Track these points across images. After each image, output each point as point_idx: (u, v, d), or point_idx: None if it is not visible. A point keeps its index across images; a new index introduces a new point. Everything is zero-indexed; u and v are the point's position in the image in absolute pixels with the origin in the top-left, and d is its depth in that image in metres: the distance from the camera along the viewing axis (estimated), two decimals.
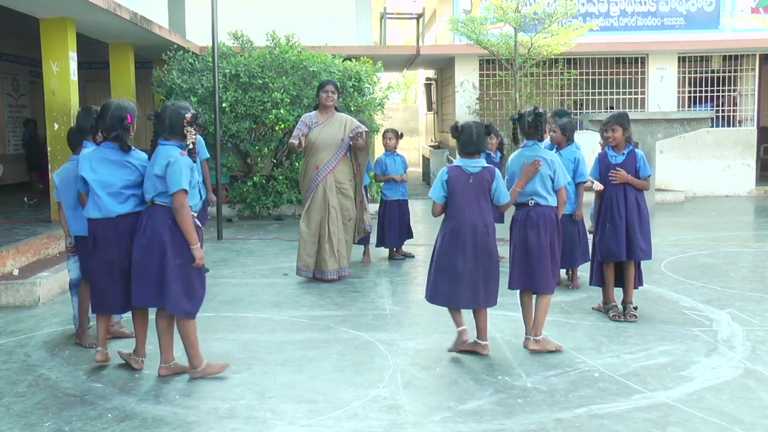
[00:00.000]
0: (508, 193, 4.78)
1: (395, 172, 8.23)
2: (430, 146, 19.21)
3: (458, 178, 4.71)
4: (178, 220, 4.24)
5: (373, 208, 10.34)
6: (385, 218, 8.30)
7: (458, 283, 4.71)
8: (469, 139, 4.73)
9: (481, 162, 4.74)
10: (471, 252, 4.68)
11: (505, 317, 5.63)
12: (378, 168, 8.36)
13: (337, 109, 7.28)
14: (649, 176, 5.66)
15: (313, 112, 7.26)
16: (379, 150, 17.77)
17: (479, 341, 4.81)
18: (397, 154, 8.34)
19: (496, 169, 4.76)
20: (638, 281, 5.79)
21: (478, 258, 4.68)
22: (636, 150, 5.65)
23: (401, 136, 8.47)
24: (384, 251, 8.47)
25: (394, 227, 8.23)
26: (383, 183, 8.35)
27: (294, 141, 7.04)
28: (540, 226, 4.79)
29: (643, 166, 5.62)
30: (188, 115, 4.33)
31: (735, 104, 15.93)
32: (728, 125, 15.76)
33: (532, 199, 4.82)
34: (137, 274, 4.34)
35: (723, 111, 15.74)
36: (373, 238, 8.39)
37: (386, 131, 8.41)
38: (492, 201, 4.75)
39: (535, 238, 4.79)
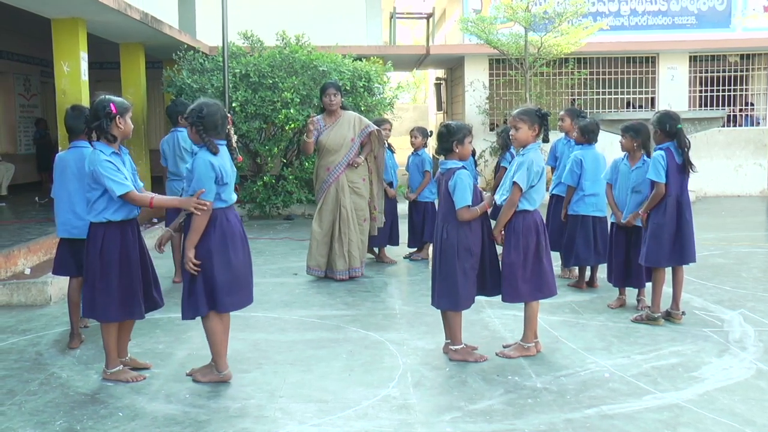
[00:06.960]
0: (464, 200, 4.52)
1: (409, 171, 8.22)
2: None
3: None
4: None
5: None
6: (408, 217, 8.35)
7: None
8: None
9: (448, 163, 4.68)
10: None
11: (515, 317, 5.61)
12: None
13: (345, 108, 7.29)
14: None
15: (320, 115, 7.25)
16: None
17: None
18: (417, 154, 8.20)
19: (457, 173, 4.58)
20: (647, 277, 5.73)
21: (434, 257, 4.78)
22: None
23: (429, 134, 8.26)
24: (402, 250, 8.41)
25: (410, 228, 8.20)
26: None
27: (307, 138, 7.06)
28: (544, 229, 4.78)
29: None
30: (230, 115, 4.35)
31: (748, 103, 15.84)
32: (749, 125, 15.67)
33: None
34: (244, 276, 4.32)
35: (733, 110, 15.66)
36: (405, 237, 8.36)
37: (411, 130, 8.33)
38: None
39: (545, 241, 4.75)
